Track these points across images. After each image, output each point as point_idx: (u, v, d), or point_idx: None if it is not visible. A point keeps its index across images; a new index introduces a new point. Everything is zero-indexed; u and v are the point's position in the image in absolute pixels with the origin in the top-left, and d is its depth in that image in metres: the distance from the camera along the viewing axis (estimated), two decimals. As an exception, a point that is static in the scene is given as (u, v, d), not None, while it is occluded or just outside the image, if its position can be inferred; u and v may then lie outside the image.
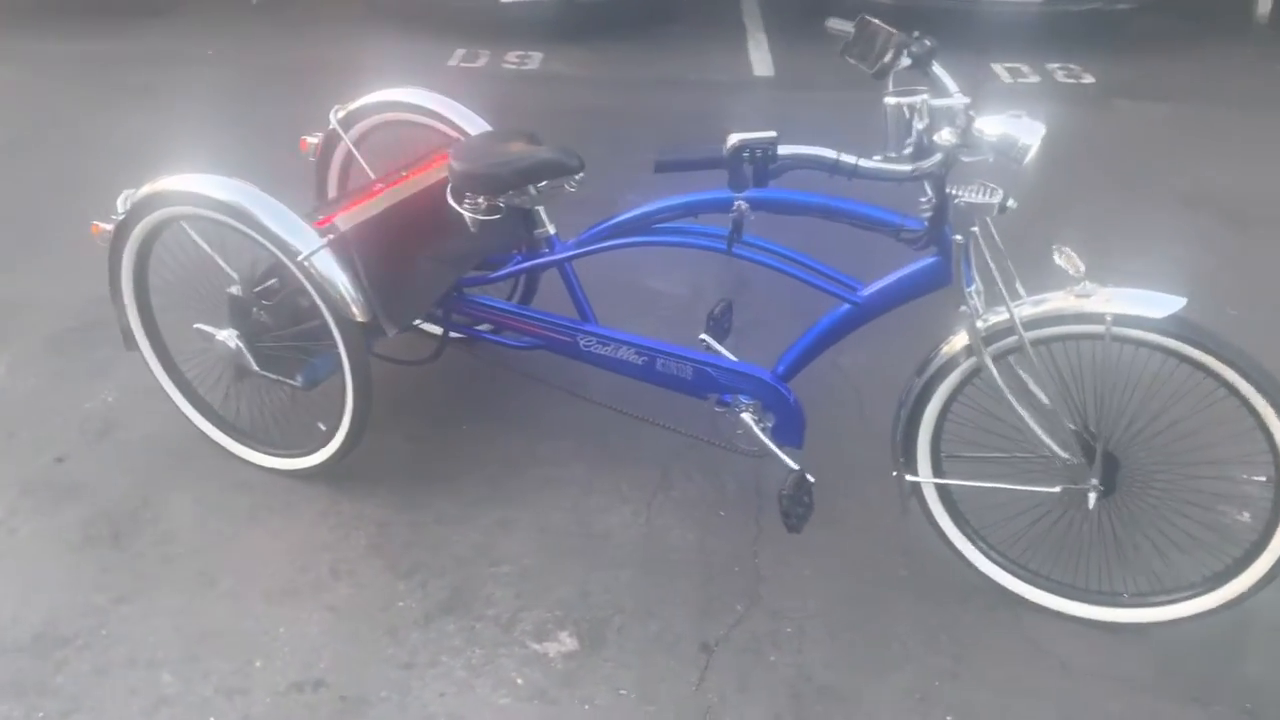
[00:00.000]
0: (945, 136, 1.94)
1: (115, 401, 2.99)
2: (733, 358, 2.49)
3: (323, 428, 2.60)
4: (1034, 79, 5.92)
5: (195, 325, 2.61)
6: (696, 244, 2.26)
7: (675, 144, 1.86)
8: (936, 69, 2.16)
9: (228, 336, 2.55)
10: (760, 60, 6.15)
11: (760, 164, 1.79)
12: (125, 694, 2.12)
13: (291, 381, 2.59)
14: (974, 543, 2.33)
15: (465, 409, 2.98)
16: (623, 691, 2.14)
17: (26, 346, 3.24)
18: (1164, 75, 5.90)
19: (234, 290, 2.58)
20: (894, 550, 2.49)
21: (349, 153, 3.13)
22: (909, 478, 2.29)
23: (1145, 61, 6.15)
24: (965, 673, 2.18)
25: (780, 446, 2.37)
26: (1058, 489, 2.16)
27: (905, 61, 2.16)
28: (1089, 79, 5.92)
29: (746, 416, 2.38)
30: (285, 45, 6.32)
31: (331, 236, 2.34)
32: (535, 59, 6.15)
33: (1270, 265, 3.77)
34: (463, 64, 6.06)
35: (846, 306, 2.22)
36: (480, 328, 2.79)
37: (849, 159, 1.89)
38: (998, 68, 6.05)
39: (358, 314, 2.36)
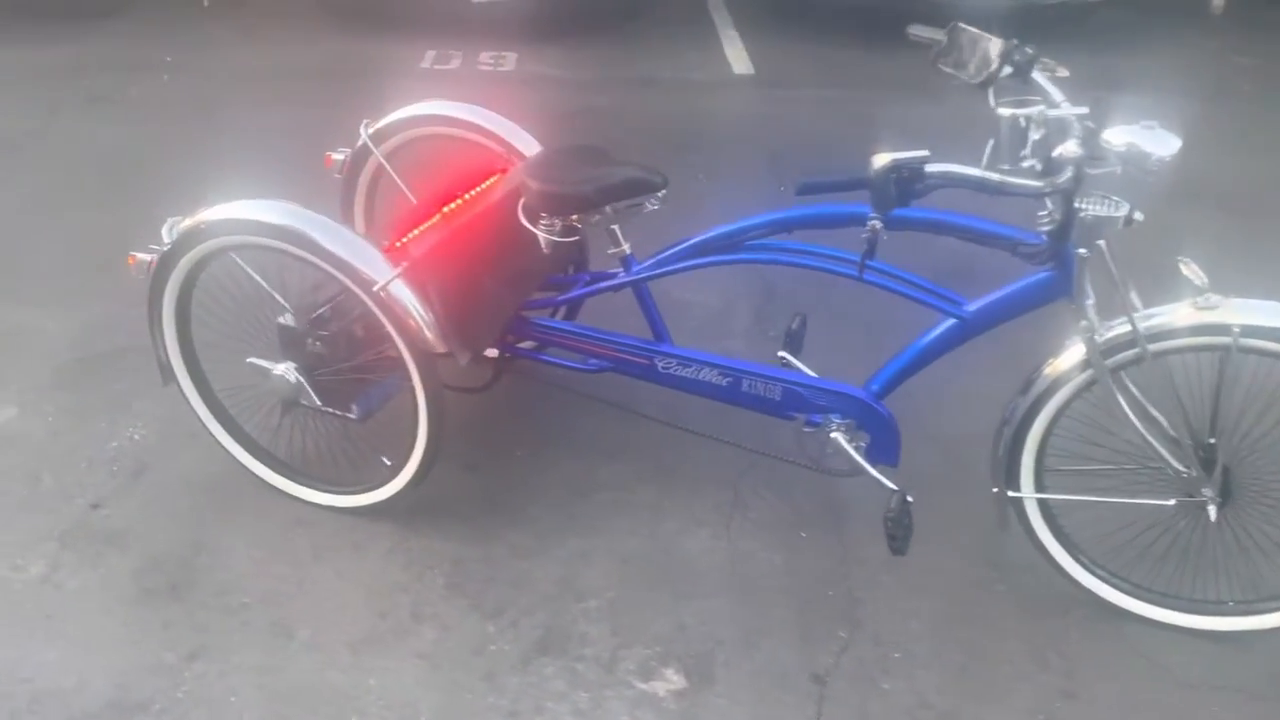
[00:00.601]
0: (1071, 149, 1.89)
1: (143, 439, 2.81)
2: (812, 373, 2.43)
3: (387, 462, 2.47)
4: (1007, 71, 5.93)
5: (249, 360, 2.46)
6: (812, 264, 2.19)
7: (817, 171, 1.79)
8: (1038, 76, 2.11)
9: (286, 370, 2.41)
10: (737, 58, 6.09)
11: (906, 184, 1.72)
12: (216, 762, 1.98)
13: (347, 414, 2.46)
14: (1075, 557, 2.30)
15: (515, 434, 2.86)
16: (741, 730, 2.06)
17: (33, 383, 3.03)
18: (1133, 68, 5.99)
19: (286, 321, 2.43)
20: (984, 564, 2.45)
21: (377, 170, 2.99)
22: (1011, 493, 2.25)
23: (1112, 54, 6.23)
24: (1081, 691, 2.15)
25: (875, 465, 2.31)
26: (1172, 502, 2.14)
27: (1007, 69, 2.11)
28: (1064, 72, 5.96)
29: (838, 436, 2.31)
30: (248, 50, 6.08)
31: (405, 264, 2.22)
32: (510, 60, 6.01)
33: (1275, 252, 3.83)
34: (436, 66, 5.89)
35: (952, 321, 2.17)
36: (524, 346, 2.66)
37: (993, 177, 1.84)
38: (973, 62, 6.06)
39: (436, 344, 2.24)
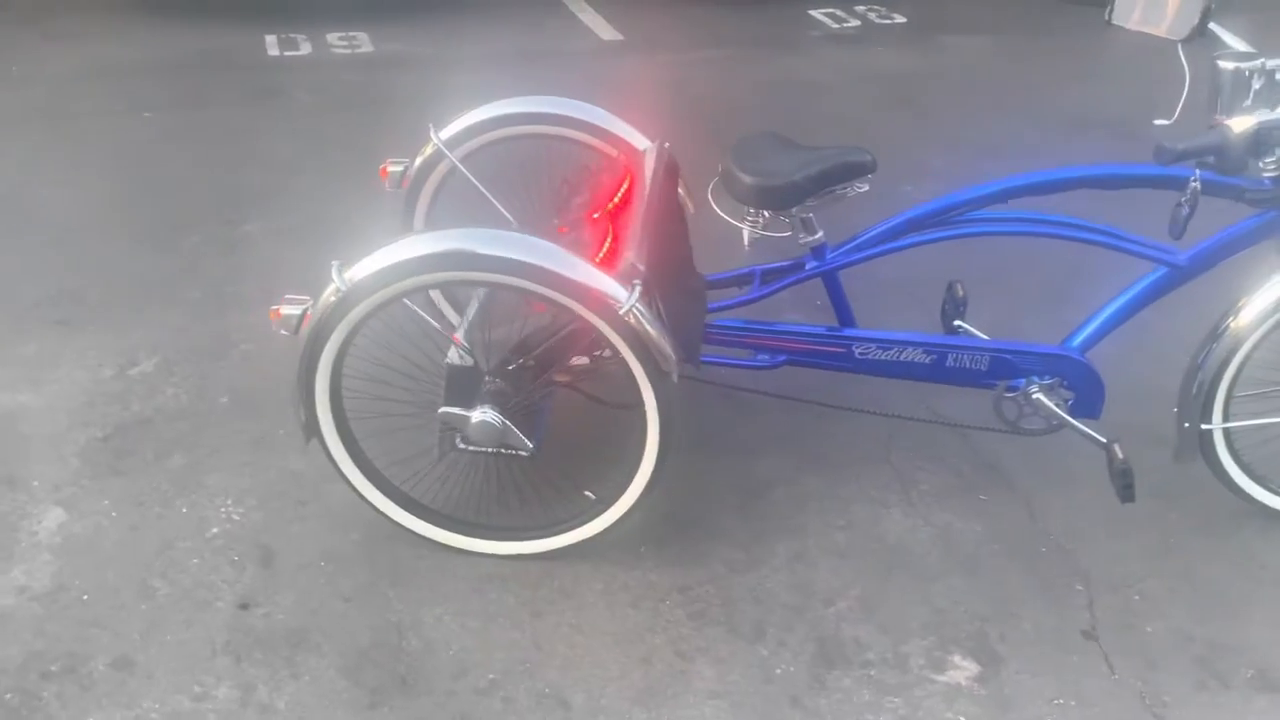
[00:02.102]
0: (1311, 94, 1.99)
1: (246, 519, 2.42)
2: (986, 337, 2.45)
3: (591, 496, 2.27)
4: (855, 22, 6.18)
5: (441, 409, 2.16)
6: (1047, 232, 2.19)
7: (1175, 138, 1.80)
8: (1214, 26, 2.20)
9: (486, 415, 2.14)
10: (597, 24, 5.94)
11: (1263, 143, 1.76)
12: None
13: (522, 451, 2.23)
14: (1249, 474, 2.46)
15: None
16: (1058, 701, 2.08)
17: (63, 475, 2.52)
18: (963, 13, 6.32)
19: (459, 360, 2.17)
20: (1150, 498, 2.53)
21: (441, 183, 2.70)
22: (1204, 426, 2.37)
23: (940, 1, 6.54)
24: (1302, 592, 2.33)
25: (1079, 420, 2.37)
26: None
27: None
28: (900, 18, 6.26)
29: (1042, 397, 2.35)
30: (52, 49, 5.24)
31: (638, 281, 2.02)
32: (363, 40, 5.55)
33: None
34: (285, 53, 5.35)
35: (1164, 270, 2.25)
36: None
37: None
38: (817, 14, 6.25)
39: (671, 361, 2.06)
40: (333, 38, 5.55)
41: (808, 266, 2.33)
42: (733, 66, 5.40)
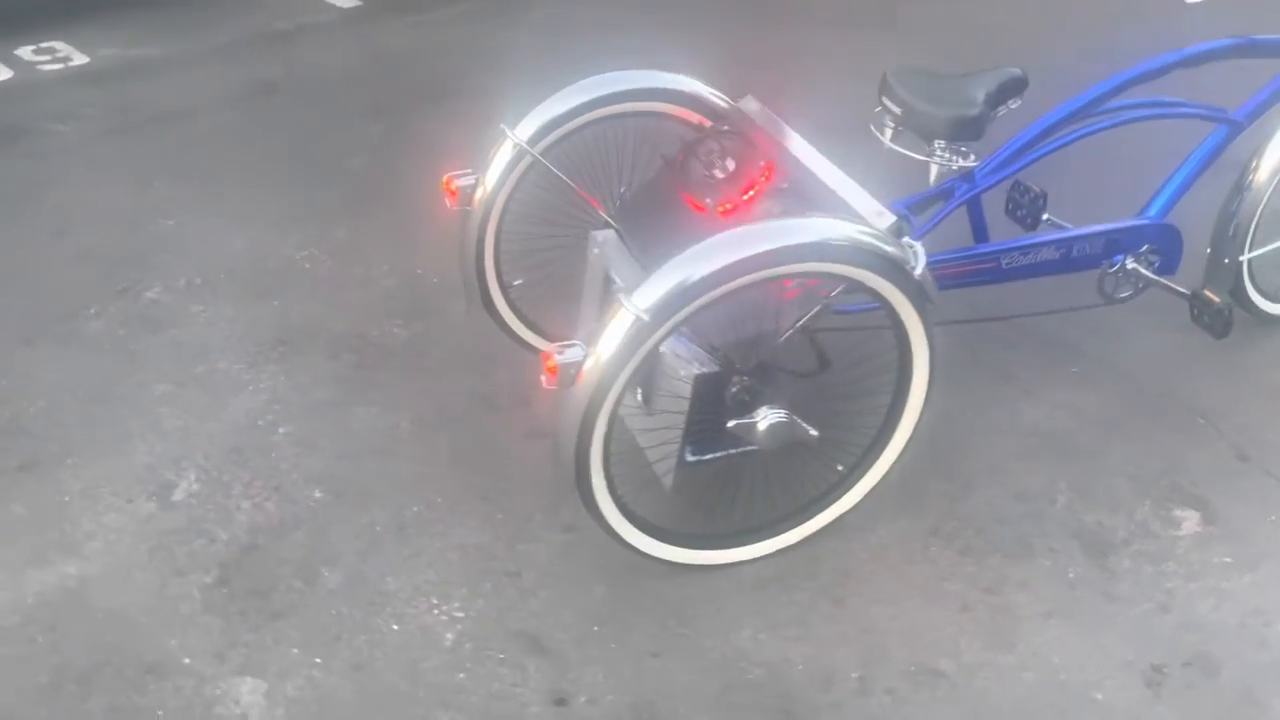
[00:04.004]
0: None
1: (472, 612, 2.10)
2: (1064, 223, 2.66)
3: (840, 468, 2.21)
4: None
5: (729, 423, 1.98)
6: (1187, 113, 2.37)
7: None
8: None
9: (772, 414, 1.99)
10: (323, -7, 5.39)
11: None
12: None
13: (808, 439, 2.12)
14: (1263, 295, 2.87)
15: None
16: (1272, 518, 2.36)
17: (216, 639, 2.03)
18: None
19: (704, 369, 2.00)
20: (1177, 331, 2.82)
21: (515, 187, 2.42)
22: (1240, 258, 2.74)
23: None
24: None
25: (1164, 277, 2.64)
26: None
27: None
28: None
29: (1137, 266, 2.60)
30: None
31: (909, 239, 1.97)
32: (68, 50, 4.61)
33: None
34: (-18, 82, 4.35)
35: (1224, 128, 2.55)
36: None
37: None
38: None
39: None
40: (27, 53, 4.57)
41: (958, 192, 2.37)
42: (502, 18, 5.13)
